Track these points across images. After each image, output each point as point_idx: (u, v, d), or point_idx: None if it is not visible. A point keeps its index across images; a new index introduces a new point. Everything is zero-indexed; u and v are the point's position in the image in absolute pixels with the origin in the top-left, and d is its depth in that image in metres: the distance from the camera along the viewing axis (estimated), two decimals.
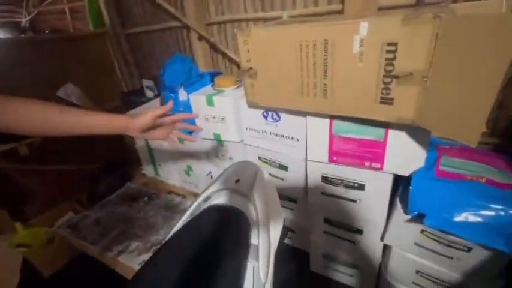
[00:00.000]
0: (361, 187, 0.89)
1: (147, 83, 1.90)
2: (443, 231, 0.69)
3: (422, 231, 0.77)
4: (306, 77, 0.73)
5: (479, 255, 0.70)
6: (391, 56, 0.57)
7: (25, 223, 1.47)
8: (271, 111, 0.96)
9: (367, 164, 0.82)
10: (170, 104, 0.71)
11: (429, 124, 0.58)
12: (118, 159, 1.88)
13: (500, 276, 0.74)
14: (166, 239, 0.47)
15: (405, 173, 0.77)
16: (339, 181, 0.92)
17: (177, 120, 0.78)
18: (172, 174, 1.61)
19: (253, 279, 0.41)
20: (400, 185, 0.86)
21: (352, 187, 0.90)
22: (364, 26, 0.57)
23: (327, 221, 1.06)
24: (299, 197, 1.12)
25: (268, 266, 0.44)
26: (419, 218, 0.71)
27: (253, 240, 0.46)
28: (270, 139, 1.03)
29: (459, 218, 0.63)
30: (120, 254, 1.13)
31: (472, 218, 0.61)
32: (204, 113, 1.14)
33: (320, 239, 1.12)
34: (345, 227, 1.01)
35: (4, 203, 1.45)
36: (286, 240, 1.34)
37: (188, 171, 1.48)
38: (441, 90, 0.53)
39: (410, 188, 0.72)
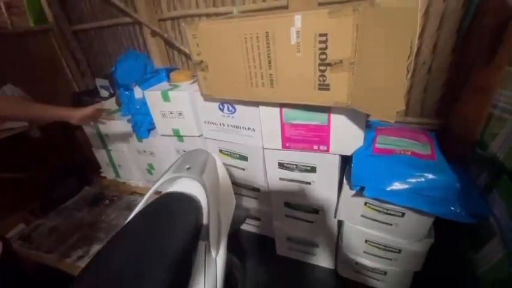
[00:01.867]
0: (313, 169, 0.96)
1: (100, 82, 1.81)
2: (380, 201, 0.78)
3: (365, 203, 0.87)
4: (253, 68, 0.77)
5: (411, 219, 0.80)
6: (323, 45, 0.63)
7: None
8: (227, 104, 0.98)
9: (315, 147, 0.89)
10: (101, 103, 0.97)
11: (359, 106, 0.65)
12: (73, 163, 1.77)
13: (430, 235, 0.86)
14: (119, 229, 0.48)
15: (348, 152, 0.85)
16: (294, 166, 0.99)
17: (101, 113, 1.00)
18: (134, 175, 1.57)
19: (205, 255, 0.44)
20: (347, 165, 0.95)
21: (306, 170, 0.97)
22: (298, 19, 0.62)
23: (287, 204, 1.12)
24: (261, 185, 1.17)
25: (218, 242, 0.47)
26: (361, 191, 0.80)
27: (205, 220, 0.49)
28: (228, 131, 1.06)
29: (391, 186, 0.72)
30: (80, 259, 1.08)
31: (400, 186, 0.71)
32: (160, 109, 1.13)
33: (282, 223, 1.19)
34: (303, 209, 1.09)
35: None
36: (253, 229, 1.39)
37: (150, 170, 1.45)
38: (366, 75, 0.60)
39: (352, 165, 0.80)
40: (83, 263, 1.07)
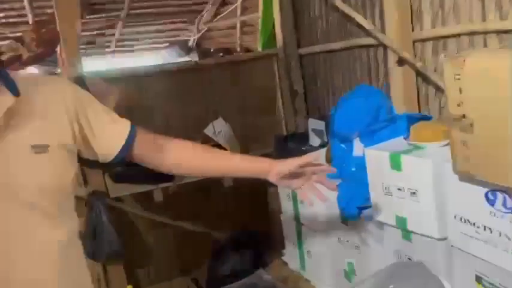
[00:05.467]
0: None
1: (314, 124, 2.27)
2: None
3: None
4: None
5: None
6: None
7: None
8: (503, 194, 0.95)
9: None
10: (317, 155, 1.00)
11: None
12: (254, 230, 2.29)
13: None
14: None
15: None
16: None
17: (316, 172, 1.07)
18: (323, 273, 1.77)
19: None
20: None
21: None
22: None
23: None
24: None
25: None
26: None
27: None
28: (499, 244, 1.00)
29: None
30: None
31: None
32: (383, 179, 1.27)
33: None
34: None
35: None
36: None
37: (349, 272, 1.59)
38: None
39: None
40: None
